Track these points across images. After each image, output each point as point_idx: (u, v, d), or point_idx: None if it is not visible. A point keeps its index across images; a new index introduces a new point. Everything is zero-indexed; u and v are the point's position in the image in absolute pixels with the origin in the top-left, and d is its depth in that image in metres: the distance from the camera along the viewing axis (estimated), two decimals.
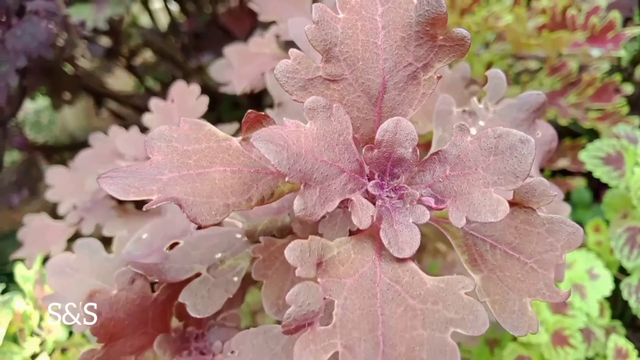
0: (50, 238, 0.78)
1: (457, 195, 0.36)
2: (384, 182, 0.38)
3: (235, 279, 0.46)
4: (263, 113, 0.38)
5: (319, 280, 0.34)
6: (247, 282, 0.47)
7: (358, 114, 0.38)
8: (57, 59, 1.35)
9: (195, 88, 0.64)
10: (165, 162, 0.36)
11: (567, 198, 1.38)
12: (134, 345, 0.46)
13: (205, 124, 0.38)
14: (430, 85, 0.38)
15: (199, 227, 0.49)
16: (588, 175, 1.39)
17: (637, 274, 0.98)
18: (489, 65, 1.45)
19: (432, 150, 0.46)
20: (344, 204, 0.36)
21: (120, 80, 2.07)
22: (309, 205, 0.34)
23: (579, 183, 1.39)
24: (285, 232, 0.48)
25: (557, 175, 1.45)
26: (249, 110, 0.37)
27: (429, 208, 0.37)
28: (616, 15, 1.23)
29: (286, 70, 0.37)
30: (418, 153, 0.37)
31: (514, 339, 0.86)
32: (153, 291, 0.45)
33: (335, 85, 0.38)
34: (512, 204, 0.41)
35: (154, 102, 0.66)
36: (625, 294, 0.96)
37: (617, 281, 0.98)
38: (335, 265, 0.35)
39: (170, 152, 0.36)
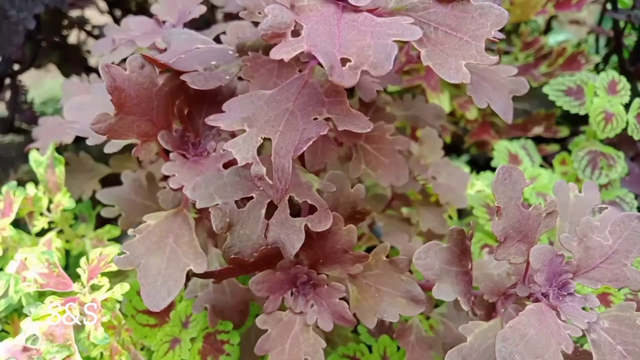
0: (61, 133, 0.87)
1: None
2: None
3: (227, 77, 0.55)
4: None
5: (293, 15, 0.43)
6: (232, 85, 0.56)
7: None
8: (65, 35, 1.48)
9: None
10: None
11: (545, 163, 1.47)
12: (140, 128, 0.54)
13: None
14: None
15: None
16: (562, 141, 1.50)
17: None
18: None
19: None
20: None
21: None
22: None
23: (553, 148, 1.48)
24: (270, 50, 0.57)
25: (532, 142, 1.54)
26: None
27: None
28: None
29: None
30: None
31: (486, 232, 0.94)
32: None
33: None
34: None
35: None
36: None
37: None
38: (305, 11, 0.44)
39: None
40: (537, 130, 1.53)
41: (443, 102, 1.42)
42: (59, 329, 0.57)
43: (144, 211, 0.67)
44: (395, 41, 0.42)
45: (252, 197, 0.54)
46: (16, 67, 1.35)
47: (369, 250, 1.05)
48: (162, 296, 0.51)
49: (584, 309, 0.54)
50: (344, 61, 0.41)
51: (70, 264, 0.91)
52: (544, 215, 0.55)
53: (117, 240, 0.88)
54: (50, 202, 0.86)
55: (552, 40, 1.92)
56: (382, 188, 0.97)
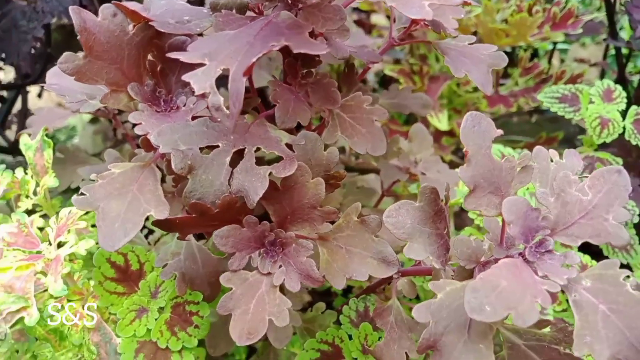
0: (53, 118, 0.89)
1: None
2: None
3: (198, 29, 0.56)
4: None
5: None
6: None
7: None
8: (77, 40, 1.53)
9: None
10: None
11: None
12: (110, 76, 0.55)
13: None
14: None
15: None
16: None
17: None
18: None
19: None
20: None
21: None
22: None
23: None
24: (242, 10, 0.59)
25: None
26: None
27: None
28: (574, 4, 1.38)
29: None
30: None
31: (475, 227, 0.91)
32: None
33: None
34: None
35: None
36: None
37: None
38: None
39: None
40: None
41: (442, 120, 1.42)
42: (19, 282, 0.56)
43: None
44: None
45: (217, 147, 0.53)
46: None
47: None
48: (118, 237, 0.49)
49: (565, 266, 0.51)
50: None
51: None
52: (518, 170, 0.53)
53: None
54: (37, 185, 0.86)
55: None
56: (373, 183, 0.95)
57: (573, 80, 1.49)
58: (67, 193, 0.96)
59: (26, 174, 0.86)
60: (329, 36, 0.59)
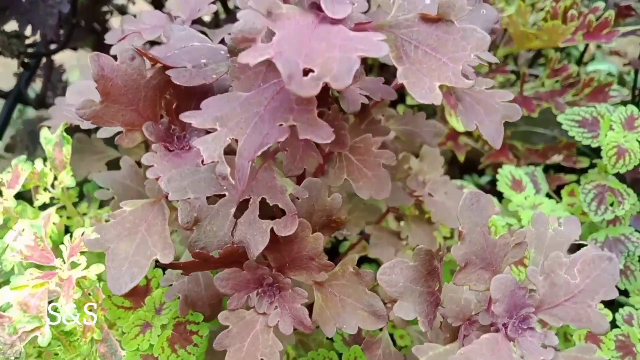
0: (74, 113, 0.91)
1: None
2: None
3: (214, 76, 0.57)
4: None
5: (267, 20, 0.44)
6: (224, 84, 0.58)
7: None
8: (104, 19, 1.53)
9: None
10: None
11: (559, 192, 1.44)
12: (126, 117, 0.56)
13: None
14: None
15: None
16: (581, 171, 1.46)
17: (604, 231, 1.04)
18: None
19: None
20: None
21: None
22: None
23: (570, 178, 1.45)
24: None
25: (550, 170, 1.50)
26: None
27: None
28: (611, 14, 1.33)
29: None
30: None
31: None
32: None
33: None
34: (435, 19, 0.51)
35: None
36: None
37: None
38: (282, 19, 0.45)
39: None
40: (557, 158, 1.50)
41: (460, 120, 1.40)
42: (34, 300, 0.60)
43: (135, 197, 0.70)
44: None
45: (224, 195, 0.56)
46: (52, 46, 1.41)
47: (362, 259, 1.05)
48: (125, 281, 0.53)
49: (543, 345, 0.53)
50: (307, 72, 0.41)
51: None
52: (512, 246, 0.54)
53: None
54: (55, 178, 0.89)
55: (592, 68, 1.88)
56: (377, 200, 0.97)
57: (601, 89, 1.45)
58: (84, 183, 1.00)
59: (45, 165, 0.90)
60: None
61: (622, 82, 1.81)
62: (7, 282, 0.79)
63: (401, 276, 0.57)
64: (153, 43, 0.79)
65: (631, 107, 1.07)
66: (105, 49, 1.68)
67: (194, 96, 0.61)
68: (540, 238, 0.60)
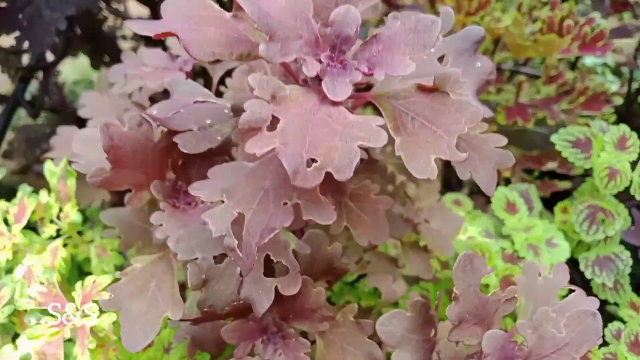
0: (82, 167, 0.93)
1: (383, 63, 0.49)
2: (333, 55, 0.51)
3: (219, 138, 0.59)
4: None
5: (271, 106, 0.46)
6: (228, 144, 0.60)
7: (320, 2, 0.51)
8: (100, 25, 1.53)
9: None
10: (172, 19, 0.50)
11: (554, 199, 1.47)
12: (135, 179, 0.59)
13: None
14: None
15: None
16: (574, 178, 1.49)
17: (595, 250, 1.07)
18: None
19: None
20: (299, 61, 0.49)
21: None
22: (271, 51, 0.47)
23: (565, 185, 1.48)
24: None
25: (545, 177, 1.53)
26: None
27: (364, 73, 0.50)
28: (607, 26, 1.34)
29: None
30: (359, 33, 0.50)
31: None
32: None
33: None
34: (432, 89, 0.53)
35: None
36: (582, 266, 1.05)
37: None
38: (286, 101, 0.48)
39: (177, 13, 0.50)
40: (551, 165, 1.53)
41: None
42: (51, 348, 0.63)
43: (142, 234, 0.72)
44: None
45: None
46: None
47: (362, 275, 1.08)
48: (139, 340, 0.56)
49: None
50: (310, 161, 0.44)
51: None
52: (503, 301, 0.58)
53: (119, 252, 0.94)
54: (61, 210, 0.92)
55: (589, 62, 1.88)
56: None
57: (596, 97, 1.47)
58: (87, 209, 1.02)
59: (50, 196, 0.92)
60: None
61: (618, 73, 1.83)
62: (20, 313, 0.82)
63: (399, 327, 0.60)
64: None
65: (623, 127, 1.10)
66: (101, 55, 1.67)
67: (200, 153, 0.63)
68: (530, 286, 0.64)
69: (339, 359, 0.62)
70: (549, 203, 1.41)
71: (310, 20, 0.49)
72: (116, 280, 0.61)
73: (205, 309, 0.57)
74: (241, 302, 0.57)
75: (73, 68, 2.26)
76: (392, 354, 0.60)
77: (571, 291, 0.64)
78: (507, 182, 1.51)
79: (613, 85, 2.01)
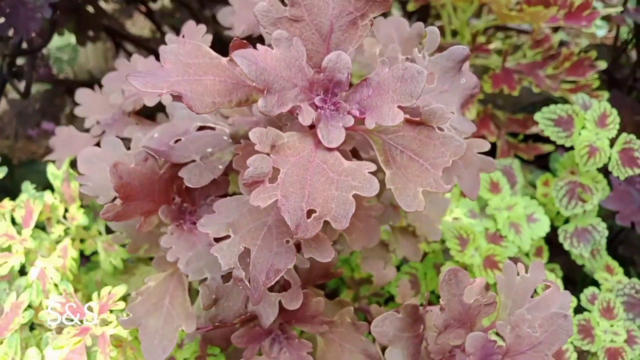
0: (76, 146, 0.95)
1: (374, 109, 0.52)
2: (326, 98, 0.54)
3: (220, 167, 0.63)
4: (245, 41, 0.53)
5: (271, 156, 0.50)
6: (229, 170, 0.64)
7: (312, 47, 0.54)
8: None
9: (202, 27, 0.79)
10: (173, 69, 0.52)
11: (542, 162, 1.53)
12: (144, 208, 0.63)
13: (203, 45, 0.54)
14: (365, 29, 0.53)
15: (200, 128, 0.65)
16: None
17: (573, 222, 1.14)
18: (475, 34, 1.57)
19: None
20: (295, 110, 0.52)
21: (138, 25, 2.22)
22: (269, 104, 0.50)
23: (548, 148, 1.52)
24: None
25: (529, 140, 1.58)
26: (235, 37, 0.53)
27: (355, 117, 0.53)
28: None
29: (262, 10, 0.52)
30: (350, 77, 0.53)
31: (455, 261, 1.03)
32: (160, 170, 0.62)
33: (297, 24, 0.53)
34: (418, 122, 0.57)
35: (168, 37, 0.82)
36: (561, 238, 1.13)
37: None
38: (284, 149, 0.51)
39: (177, 62, 0.52)
40: (535, 129, 1.57)
41: None
42: (75, 356, 0.70)
43: (149, 239, 0.77)
44: None
45: None
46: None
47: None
48: (158, 354, 0.62)
49: None
50: (310, 212, 0.48)
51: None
52: (484, 305, 0.64)
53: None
54: (66, 210, 0.96)
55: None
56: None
57: (580, 62, 1.49)
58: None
59: (54, 197, 0.96)
60: None
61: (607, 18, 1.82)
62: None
63: (391, 327, 0.67)
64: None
65: (604, 104, 1.14)
66: (85, 29, 1.65)
67: None
68: (509, 284, 0.70)
69: (338, 356, 0.69)
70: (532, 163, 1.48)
71: (304, 68, 0.52)
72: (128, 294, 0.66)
73: (216, 324, 0.63)
74: (248, 314, 0.63)
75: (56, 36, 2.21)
76: (386, 351, 0.68)
77: (547, 287, 0.71)
78: (493, 146, 1.56)
79: (601, 30, 2.03)
